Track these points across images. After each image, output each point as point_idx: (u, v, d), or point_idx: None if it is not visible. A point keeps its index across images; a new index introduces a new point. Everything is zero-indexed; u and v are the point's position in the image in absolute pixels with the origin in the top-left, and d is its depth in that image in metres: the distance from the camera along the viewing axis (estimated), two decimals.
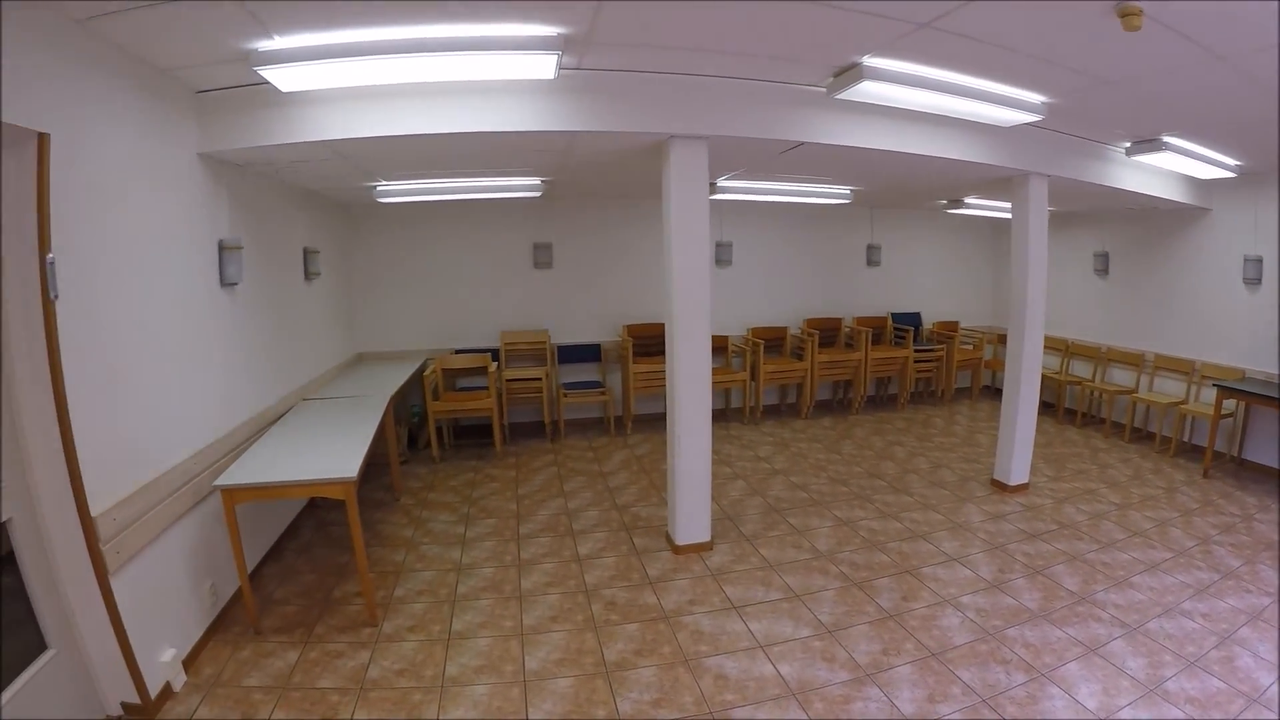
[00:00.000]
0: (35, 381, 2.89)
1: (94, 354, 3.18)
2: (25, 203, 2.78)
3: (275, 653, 4.02)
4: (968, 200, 8.83)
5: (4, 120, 2.57)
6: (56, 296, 2.86)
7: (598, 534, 5.72)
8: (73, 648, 3.20)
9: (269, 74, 3.53)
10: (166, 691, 3.57)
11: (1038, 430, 6.93)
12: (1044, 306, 6.36)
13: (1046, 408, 9.72)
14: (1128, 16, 3.04)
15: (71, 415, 2.95)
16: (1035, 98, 4.60)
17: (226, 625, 4.32)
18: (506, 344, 8.83)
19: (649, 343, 8.94)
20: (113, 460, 3.29)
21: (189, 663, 3.85)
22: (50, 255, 2.82)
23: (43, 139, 2.80)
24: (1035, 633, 4.15)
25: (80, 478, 3.00)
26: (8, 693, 2.80)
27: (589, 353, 9.16)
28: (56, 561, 3.09)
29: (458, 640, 4.15)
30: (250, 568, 4.78)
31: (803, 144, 4.88)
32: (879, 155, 5.22)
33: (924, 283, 10.84)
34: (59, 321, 2.88)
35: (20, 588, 2.99)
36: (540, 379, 8.44)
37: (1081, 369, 9.50)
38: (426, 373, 7.77)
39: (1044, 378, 7.63)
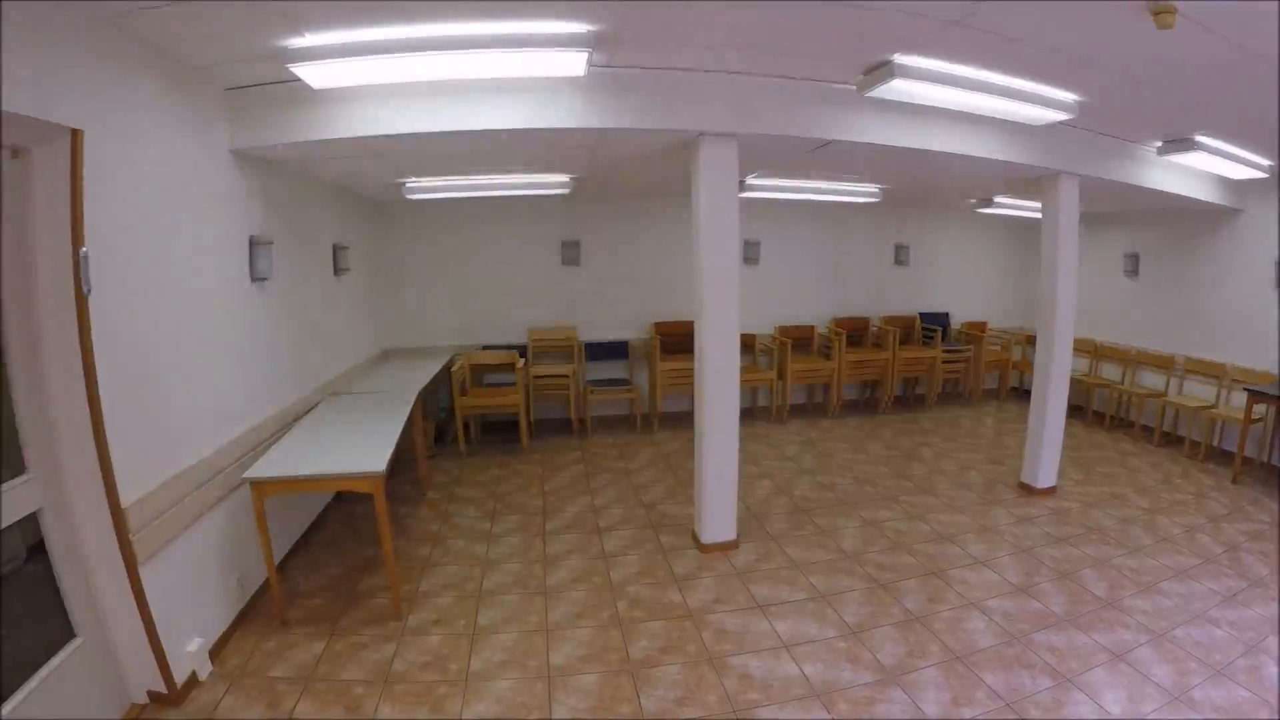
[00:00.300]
0: (67, 374, 2.90)
1: (125, 347, 3.18)
2: (58, 198, 2.79)
3: (301, 644, 4.02)
4: (997, 199, 8.71)
5: (37, 117, 2.57)
6: (89, 291, 2.86)
7: (623, 531, 5.69)
8: (100, 636, 3.22)
9: (300, 71, 3.52)
10: (192, 681, 3.59)
11: (1066, 433, 6.80)
12: (1074, 308, 6.25)
13: (1075, 410, 9.56)
14: (1160, 15, 2.97)
15: (103, 407, 2.96)
16: (1067, 96, 4.51)
17: (253, 616, 4.33)
18: (534, 340, 8.81)
19: (677, 340, 8.86)
20: (143, 452, 3.30)
21: (215, 653, 3.87)
22: (83, 249, 2.82)
23: (76, 135, 2.80)
24: (1061, 637, 4.07)
25: (111, 469, 3.01)
26: (35, 679, 2.81)
27: (617, 350, 9.13)
28: (86, 551, 3.10)
29: (483, 635, 4.13)
30: (277, 560, 4.81)
31: (832, 142, 4.81)
32: (908, 153, 5.14)
33: (953, 282, 10.71)
34: (91, 315, 2.88)
35: (49, 576, 3.00)
36: (567, 376, 8.43)
37: (1111, 371, 9.35)
38: (454, 368, 7.77)
39: (1072, 380, 7.51)
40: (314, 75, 3.61)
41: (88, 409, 2.93)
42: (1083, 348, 9.49)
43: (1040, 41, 3.59)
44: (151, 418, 3.40)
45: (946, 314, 10.66)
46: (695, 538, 5.44)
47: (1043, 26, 3.39)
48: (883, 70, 3.97)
